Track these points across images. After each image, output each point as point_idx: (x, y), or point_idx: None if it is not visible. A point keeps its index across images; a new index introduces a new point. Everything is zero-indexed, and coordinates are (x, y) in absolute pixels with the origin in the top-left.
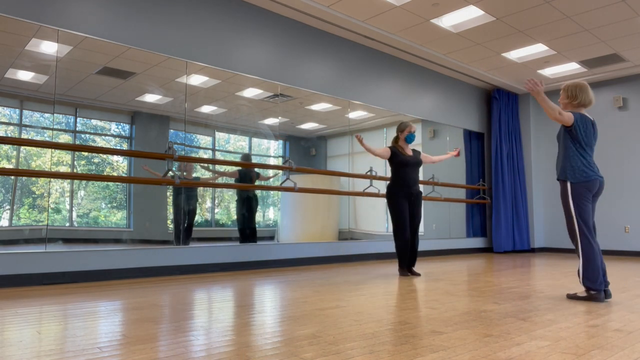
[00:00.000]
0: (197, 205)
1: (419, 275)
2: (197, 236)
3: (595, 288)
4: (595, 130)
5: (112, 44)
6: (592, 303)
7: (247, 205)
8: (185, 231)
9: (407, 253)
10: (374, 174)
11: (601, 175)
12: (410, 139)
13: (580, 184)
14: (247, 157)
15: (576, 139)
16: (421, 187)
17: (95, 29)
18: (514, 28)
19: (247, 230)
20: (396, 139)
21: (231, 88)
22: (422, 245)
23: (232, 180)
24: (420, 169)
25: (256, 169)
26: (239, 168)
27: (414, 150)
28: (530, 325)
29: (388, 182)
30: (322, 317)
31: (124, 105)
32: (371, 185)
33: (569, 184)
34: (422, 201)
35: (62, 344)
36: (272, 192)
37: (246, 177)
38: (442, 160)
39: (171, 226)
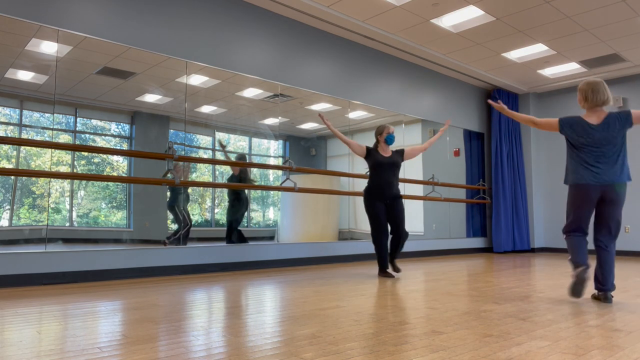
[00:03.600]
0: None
1: (399, 270)
2: (197, 236)
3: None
4: (593, 129)
5: (112, 44)
6: (592, 303)
7: (233, 206)
8: (183, 233)
9: (385, 256)
10: None
11: (603, 180)
12: (390, 140)
13: (572, 186)
14: (243, 157)
15: (568, 142)
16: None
17: (95, 29)
18: (514, 28)
19: (233, 231)
20: (376, 144)
21: (231, 88)
22: (422, 246)
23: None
24: (419, 170)
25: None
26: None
27: (395, 152)
28: (530, 325)
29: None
30: (322, 317)
31: (124, 105)
32: None
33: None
34: (403, 204)
35: (62, 344)
36: (272, 192)
37: (239, 178)
38: (434, 142)
39: (172, 226)
